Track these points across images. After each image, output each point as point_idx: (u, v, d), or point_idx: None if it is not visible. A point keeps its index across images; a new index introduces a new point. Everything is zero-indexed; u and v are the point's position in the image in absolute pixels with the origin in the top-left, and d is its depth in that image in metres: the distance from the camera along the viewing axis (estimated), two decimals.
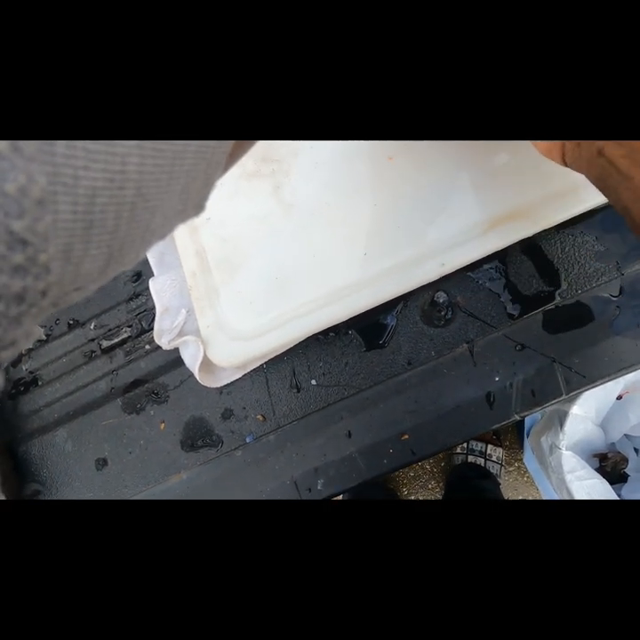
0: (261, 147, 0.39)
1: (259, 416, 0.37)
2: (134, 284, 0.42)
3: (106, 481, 0.40)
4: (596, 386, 0.30)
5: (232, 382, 0.37)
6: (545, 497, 0.83)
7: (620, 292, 0.31)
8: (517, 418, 0.32)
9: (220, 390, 0.38)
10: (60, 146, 0.08)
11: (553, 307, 0.32)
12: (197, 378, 0.36)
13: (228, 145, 0.15)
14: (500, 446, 1.05)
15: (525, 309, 0.32)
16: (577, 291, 0.32)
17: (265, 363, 0.37)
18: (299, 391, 0.36)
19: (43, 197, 0.08)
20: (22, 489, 0.42)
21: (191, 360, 0.37)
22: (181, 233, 0.39)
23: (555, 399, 0.31)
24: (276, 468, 0.36)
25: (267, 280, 0.36)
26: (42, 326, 0.44)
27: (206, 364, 0.36)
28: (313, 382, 0.36)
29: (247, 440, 0.37)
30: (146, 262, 0.41)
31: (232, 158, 0.17)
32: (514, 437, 1.08)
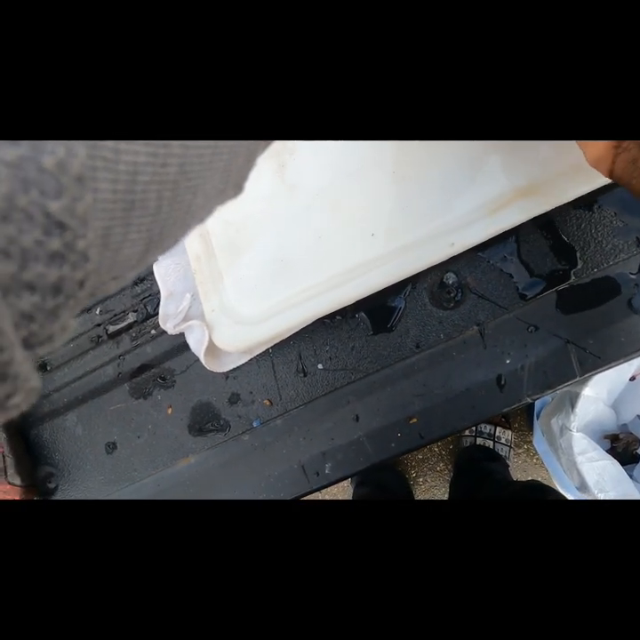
0: None
1: (265, 400, 0.37)
2: None
3: (116, 464, 0.40)
4: (612, 367, 0.29)
5: (238, 367, 0.37)
6: (554, 479, 0.83)
7: (639, 270, 0.30)
8: (529, 401, 0.31)
9: (227, 375, 0.38)
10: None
11: (567, 286, 0.31)
12: (203, 362, 0.36)
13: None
14: (509, 428, 1.04)
15: (538, 290, 0.31)
16: (593, 269, 0.31)
17: (271, 347, 0.36)
18: (305, 375, 0.36)
19: (82, 173, 0.07)
20: (36, 471, 0.43)
21: (197, 345, 0.37)
22: None
23: (568, 381, 0.30)
24: (283, 452, 0.36)
25: (271, 263, 0.35)
26: None
27: (211, 348, 0.36)
28: (319, 366, 0.35)
29: (254, 424, 0.37)
30: None
31: None
32: (523, 419, 1.07)
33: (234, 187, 0.13)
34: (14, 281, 0.07)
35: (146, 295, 0.41)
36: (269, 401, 0.36)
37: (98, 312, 0.42)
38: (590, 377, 0.73)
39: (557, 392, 0.85)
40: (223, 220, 0.37)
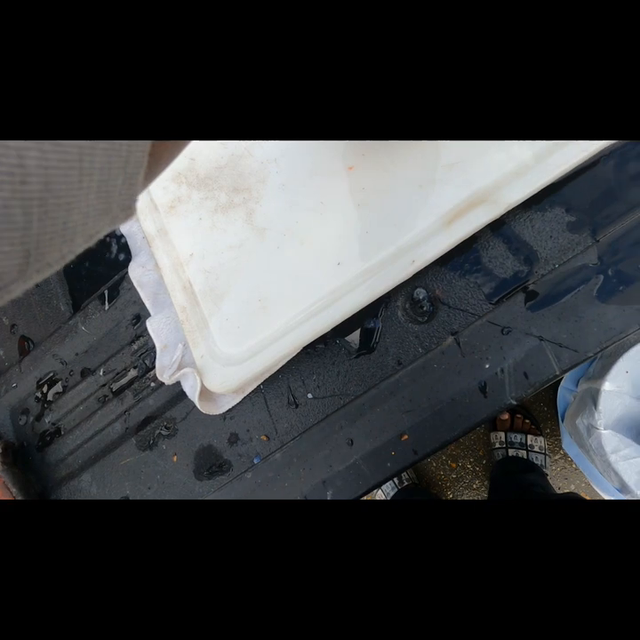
0: (231, 177, 0.41)
1: (263, 436, 0.37)
2: (134, 327, 0.44)
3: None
4: (589, 358, 0.29)
5: (233, 407, 0.38)
6: (593, 483, 0.79)
7: (599, 259, 0.30)
8: (514, 402, 0.31)
9: (223, 416, 0.39)
10: None
11: (532, 284, 0.31)
12: (199, 407, 0.38)
13: (144, 144, 0.14)
14: (541, 435, 1.00)
15: (505, 292, 0.32)
16: (554, 265, 0.31)
17: (261, 384, 0.38)
18: (297, 407, 0.37)
19: None
20: None
21: (191, 391, 0.38)
22: (168, 271, 0.41)
23: (548, 378, 0.30)
24: (285, 485, 0.36)
25: (250, 303, 0.37)
26: (58, 380, 0.47)
27: (205, 392, 0.38)
28: (309, 396, 0.36)
29: (255, 461, 0.37)
30: (143, 305, 0.43)
31: (162, 159, 0.16)
32: (554, 424, 1.03)
33: (121, 208, 0.14)
34: None
35: (143, 351, 0.44)
36: (266, 436, 0.37)
37: (102, 373, 0.45)
38: (606, 371, 0.71)
39: (577, 391, 0.82)
40: (203, 270, 0.39)
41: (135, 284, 0.43)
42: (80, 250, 0.13)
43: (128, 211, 0.14)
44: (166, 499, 0.40)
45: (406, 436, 0.33)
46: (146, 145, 0.14)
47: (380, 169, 0.35)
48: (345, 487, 0.34)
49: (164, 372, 0.40)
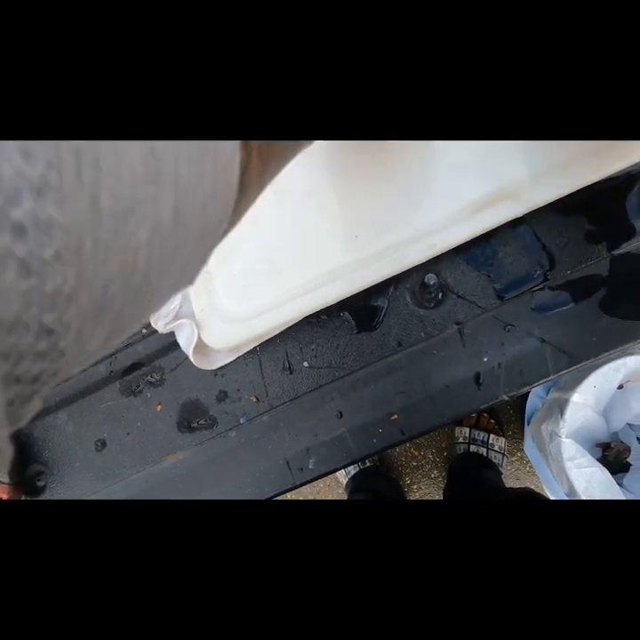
0: None
1: (252, 397, 0.37)
2: None
3: (105, 462, 0.41)
4: (584, 366, 0.30)
5: (226, 364, 0.38)
6: (544, 485, 0.83)
7: (610, 273, 0.31)
8: (505, 398, 0.32)
9: (215, 372, 0.39)
10: (88, 243, 0.09)
11: (542, 287, 0.32)
12: (192, 360, 0.37)
13: (220, 230, 0.15)
14: (503, 436, 1.05)
15: (515, 290, 0.32)
16: (567, 271, 0.32)
17: (258, 345, 0.37)
18: (291, 373, 0.37)
19: (71, 294, 0.09)
20: (26, 469, 0.43)
21: (186, 343, 0.38)
22: None
23: (542, 379, 0.31)
24: (268, 448, 0.36)
25: (259, 264, 0.36)
26: None
27: (201, 346, 0.37)
28: (305, 364, 0.36)
29: (241, 421, 0.37)
30: None
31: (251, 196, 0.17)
32: (517, 427, 1.08)
33: (187, 282, 0.15)
34: (7, 376, 0.09)
35: None
36: (256, 398, 0.37)
37: None
38: (578, 382, 0.74)
39: (547, 398, 0.86)
40: None
41: None
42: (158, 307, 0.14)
43: (191, 282, 0.15)
44: (145, 446, 0.40)
45: (396, 416, 0.34)
46: (219, 236, 0.15)
47: (409, 145, 0.34)
48: (328, 457, 0.35)
49: (159, 320, 0.39)
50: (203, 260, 0.15)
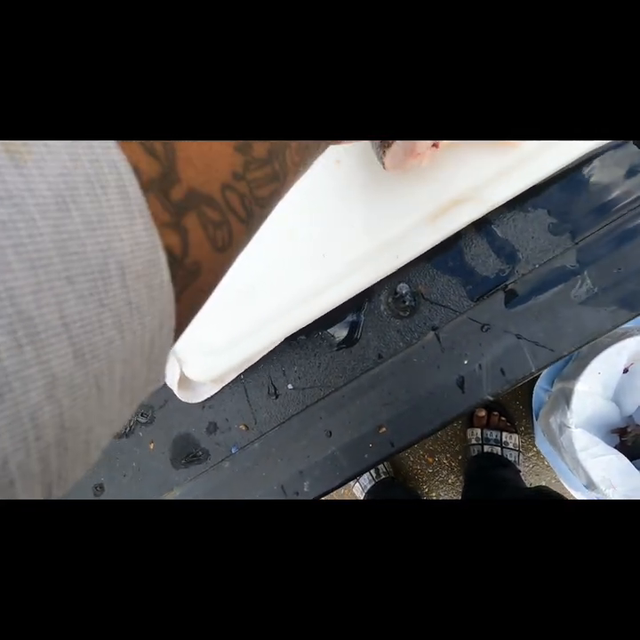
0: None
1: (241, 425, 0.37)
2: None
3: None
4: (564, 357, 0.30)
5: (213, 396, 0.38)
6: (562, 478, 0.81)
7: (577, 262, 0.31)
8: (490, 399, 0.32)
9: (203, 405, 0.39)
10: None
11: (513, 283, 0.32)
12: (178, 395, 0.37)
13: (169, 324, 0.12)
14: (516, 432, 1.03)
15: (486, 290, 0.32)
16: (534, 265, 0.32)
17: (242, 373, 0.37)
18: (277, 397, 0.37)
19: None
20: None
21: (171, 378, 0.38)
22: None
23: (524, 375, 0.31)
24: (262, 474, 0.36)
25: (232, 292, 0.37)
26: None
27: (185, 380, 0.37)
28: (289, 386, 0.36)
29: (233, 451, 0.37)
30: None
31: (193, 309, 0.14)
32: (528, 422, 1.06)
33: (147, 389, 0.13)
34: None
35: None
36: (245, 426, 0.37)
37: None
38: (580, 371, 0.73)
39: (553, 390, 0.85)
40: None
41: None
42: (106, 444, 0.13)
43: (155, 384, 0.13)
44: (141, 486, 0.40)
45: (384, 429, 0.33)
46: (171, 325, 0.12)
47: (366, 163, 0.35)
48: (322, 477, 0.35)
49: None
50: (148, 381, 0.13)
